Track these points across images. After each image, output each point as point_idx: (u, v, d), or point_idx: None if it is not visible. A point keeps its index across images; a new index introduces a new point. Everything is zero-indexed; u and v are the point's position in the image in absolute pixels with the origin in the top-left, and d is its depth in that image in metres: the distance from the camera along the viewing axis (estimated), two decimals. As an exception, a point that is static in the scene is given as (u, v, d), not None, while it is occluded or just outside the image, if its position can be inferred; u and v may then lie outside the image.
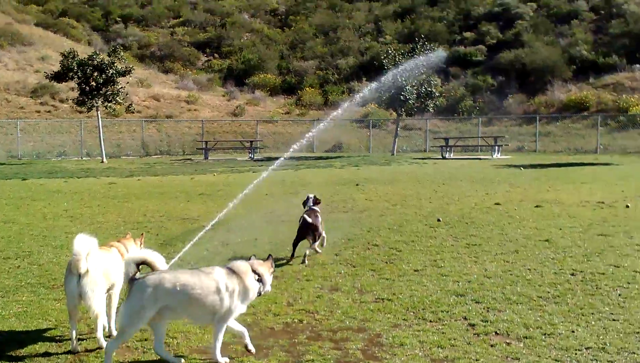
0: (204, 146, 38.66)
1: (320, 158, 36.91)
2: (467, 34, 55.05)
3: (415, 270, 8.64)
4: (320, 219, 9.75)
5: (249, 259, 5.95)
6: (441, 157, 35.36)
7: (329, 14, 66.65)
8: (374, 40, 59.67)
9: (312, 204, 10.08)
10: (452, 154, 36.30)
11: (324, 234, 9.83)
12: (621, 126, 39.51)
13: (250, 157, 37.37)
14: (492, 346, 5.76)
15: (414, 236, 11.07)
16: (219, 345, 5.56)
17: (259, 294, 5.81)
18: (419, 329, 6.23)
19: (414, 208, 14.71)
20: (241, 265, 5.75)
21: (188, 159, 37.91)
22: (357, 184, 20.48)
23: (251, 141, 39.31)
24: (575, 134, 40.24)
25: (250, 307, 6.94)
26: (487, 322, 6.41)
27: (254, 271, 5.74)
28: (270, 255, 6.13)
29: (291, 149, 25.01)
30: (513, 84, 46.74)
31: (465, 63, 51.40)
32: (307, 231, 9.54)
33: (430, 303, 7.07)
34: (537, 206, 14.54)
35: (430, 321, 6.49)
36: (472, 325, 6.32)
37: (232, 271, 5.64)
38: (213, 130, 45.83)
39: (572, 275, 8.21)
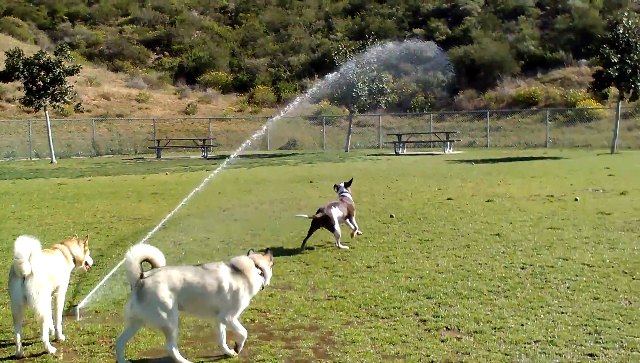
0: (156, 145, 38.24)
1: (275, 155, 36.82)
2: (417, 30, 55.47)
3: (368, 267, 8.65)
4: (345, 205, 10.33)
5: (248, 253, 5.93)
6: (394, 153, 35.58)
7: (279, 11, 66.52)
8: (325, 37, 59.74)
9: (343, 189, 10.81)
10: (405, 150, 36.54)
11: (337, 228, 9.96)
12: (569, 120, 40.26)
13: (204, 155, 37.08)
14: (442, 341, 5.79)
15: (367, 233, 11.10)
16: (243, 334, 5.60)
17: (262, 288, 5.83)
18: (371, 326, 6.24)
19: (367, 205, 14.75)
20: (244, 261, 5.74)
21: (140, 158, 37.45)
22: (311, 182, 20.47)
23: (204, 140, 38.99)
24: (524, 129, 40.87)
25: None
26: (439, 317, 6.45)
27: (257, 266, 5.75)
28: (268, 248, 6.16)
29: (239, 148, 24.90)
30: (463, 80, 47.27)
31: (416, 59, 51.80)
32: (317, 224, 9.97)
33: (383, 299, 7.09)
34: (488, 201, 14.70)
35: (382, 317, 6.51)
36: (424, 321, 6.36)
37: (236, 269, 5.64)
38: (165, 129, 45.36)
39: (522, 268, 8.32)
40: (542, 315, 6.41)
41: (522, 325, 6.14)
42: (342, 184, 11.05)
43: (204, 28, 65.46)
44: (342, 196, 10.72)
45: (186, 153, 41.09)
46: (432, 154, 34.29)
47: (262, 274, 5.76)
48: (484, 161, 27.92)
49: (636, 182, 17.54)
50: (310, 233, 10.13)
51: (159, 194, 17.86)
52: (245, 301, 5.64)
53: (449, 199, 15.24)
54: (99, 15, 67.44)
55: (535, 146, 37.91)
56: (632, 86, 28.35)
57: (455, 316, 6.46)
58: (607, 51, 28.29)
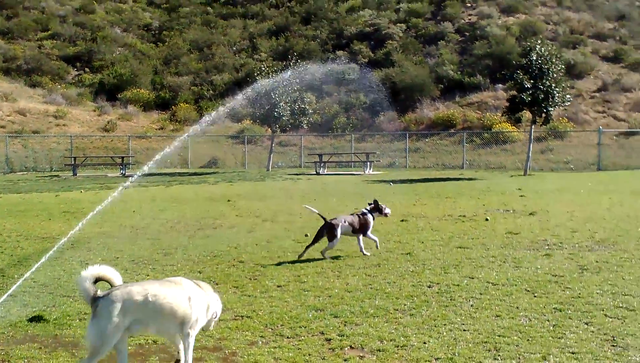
0: (72, 162, 37.32)
1: (195, 173, 36.43)
2: (340, 53, 56.04)
3: (278, 286, 8.63)
4: (357, 219, 10.71)
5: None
6: (315, 173, 35.73)
7: (204, 30, 66.13)
8: (249, 57, 59.70)
9: (367, 208, 11.01)
10: (326, 170, 36.74)
11: (335, 241, 10.47)
12: (485, 143, 41.30)
13: (122, 173, 36.39)
14: (345, 360, 5.81)
15: (280, 252, 11.08)
16: (191, 356, 5.53)
17: (215, 316, 5.81)
18: (276, 346, 6.21)
19: (283, 224, 14.74)
20: (202, 282, 5.81)
21: (55, 176, 36.43)
22: (229, 201, 20.32)
23: (122, 157, 38.29)
24: (443, 151, 41.72)
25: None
26: (343, 336, 6.47)
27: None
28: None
29: (146, 167, 24.56)
30: (384, 101, 48.00)
31: (339, 81, 52.32)
32: (322, 232, 10.50)
33: (289, 319, 7.07)
34: (402, 220, 14.90)
35: (288, 337, 6.48)
36: (329, 340, 6.36)
37: (197, 284, 5.66)
38: (83, 146, 44.35)
39: (429, 287, 8.44)
40: (444, 333, 6.51)
41: (425, 343, 6.22)
42: (367, 209, 11.10)
43: (127, 45, 64.46)
44: (363, 213, 10.94)
45: (104, 170, 40.25)
46: (353, 174, 34.59)
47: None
48: (402, 181, 28.33)
49: (545, 203, 18.09)
50: (314, 241, 10.55)
51: (71, 212, 17.39)
52: (203, 320, 5.61)
53: (364, 219, 15.36)
54: (17, 29, 65.54)
55: (453, 167, 38.73)
56: (544, 110, 29.31)
57: (360, 335, 6.49)
58: (520, 76, 29.20)
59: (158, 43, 65.66)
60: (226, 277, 9.21)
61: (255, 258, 10.59)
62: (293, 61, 37.12)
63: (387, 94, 47.47)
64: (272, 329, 6.74)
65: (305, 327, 6.77)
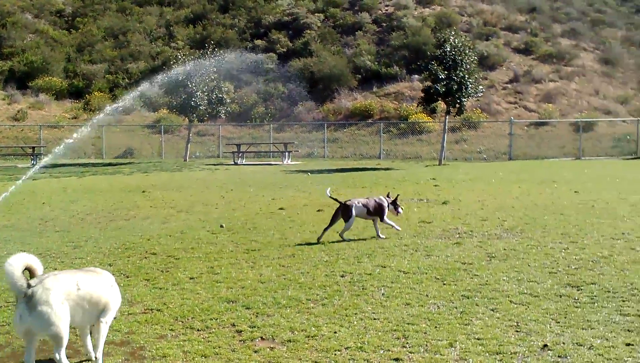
0: (-21, 153, 35.95)
1: (110, 164, 35.64)
2: (259, 42, 55.74)
3: (190, 278, 8.52)
4: (373, 202, 11.22)
5: None
6: (233, 163, 35.49)
7: (119, 16, 64.54)
8: (166, 45, 58.67)
9: (387, 197, 11.50)
10: (244, 161, 36.55)
11: (351, 221, 11.01)
12: (402, 133, 41.87)
13: (33, 163, 35.25)
14: (255, 352, 5.78)
15: (194, 243, 10.95)
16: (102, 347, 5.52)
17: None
18: (185, 339, 6.13)
19: (199, 215, 14.59)
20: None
21: (-39, 167, 34.99)
22: (143, 191, 19.96)
23: (33, 147, 37.09)
24: (360, 141, 42.08)
25: (6, 325, 6.51)
26: (255, 327, 6.44)
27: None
28: None
29: (48, 157, 23.93)
30: (303, 91, 48.02)
31: (257, 70, 52.05)
32: (337, 213, 11.11)
33: (200, 311, 6.99)
34: (318, 211, 14.95)
35: (198, 330, 6.41)
36: (239, 332, 6.33)
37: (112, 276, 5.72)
38: (-9, 135, 42.79)
39: (342, 276, 8.50)
40: (355, 322, 6.57)
41: (335, 332, 6.26)
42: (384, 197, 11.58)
43: (38, 31, 62.32)
44: (379, 198, 11.45)
45: (14, 161, 38.89)
46: (271, 165, 34.54)
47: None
48: (320, 171, 28.44)
49: (458, 192, 18.48)
50: (331, 224, 11.11)
51: (-23, 204, 16.75)
52: (116, 309, 5.69)
53: (280, 209, 15.37)
54: None
55: (370, 157, 39.11)
56: (458, 101, 29.92)
57: (272, 326, 6.48)
58: (435, 67, 29.71)
59: (71, 30, 63.76)
60: (137, 270, 9.04)
61: (168, 249, 10.44)
62: (210, 50, 36.69)
63: (305, 84, 47.57)
64: (182, 322, 6.65)
65: (217, 319, 6.71)
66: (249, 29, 58.98)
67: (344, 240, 10.96)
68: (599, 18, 58.51)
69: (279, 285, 8.08)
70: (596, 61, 51.27)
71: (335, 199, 11.29)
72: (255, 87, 50.59)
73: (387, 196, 11.65)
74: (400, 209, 11.67)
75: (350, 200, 11.23)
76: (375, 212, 11.29)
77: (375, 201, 11.34)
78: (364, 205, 11.14)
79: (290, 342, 6.01)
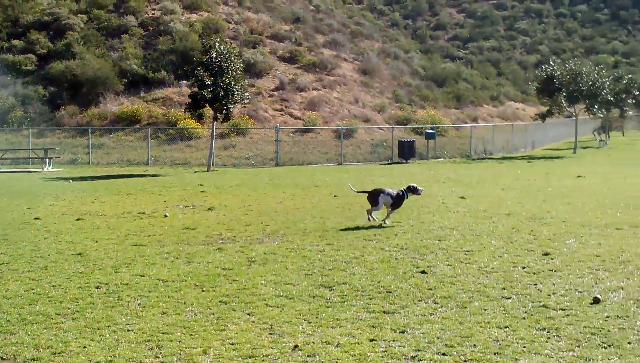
0: None
1: None
2: (16, 42, 52.22)
3: None
4: (396, 195, 13.03)
5: None
6: (-14, 170, 32.92)
7: None
8: None
9: (408, 190, 13.24)
10: (1, 167, 34.04)
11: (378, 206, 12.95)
12: (170, 139, 41.32)
13: None
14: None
15: None
16: None
17: None
18: None
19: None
20: None
21: None
22: None
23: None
24: (128, 146, 40.90)
25: None
26: (-5, 347, 5.99)
27: None
28: None
29: None
30: (65, 95, 45.77)
31: (14, 72, 48.77)
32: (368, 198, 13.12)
33: None
34: (78, 219, 14.30)
35: None
36: (-23, 354, 5.85)
37: None
38: None
39: (97, 287, 8.18)
40: (107, 335, 6.34)
41: (85, 347, 6.00)
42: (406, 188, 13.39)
43: None
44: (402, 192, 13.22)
45: None
46: (30, 172, 32.50)
47: None
48: (83, 178, 27.26)
49: (224, 198, 18.59)
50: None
51: None
52: None
53: (36, 218, 14.49)
54: None
55: (138, 163, 38.15)
56: (225, 107, 30.12)
57: (14, 344, 6.07)
58: (201, 73, 29.68)
59: None
60: None
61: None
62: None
63: (68, 87, 45.42)
64: None
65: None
66: (5, 28, 55.12)
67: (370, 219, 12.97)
68: (358, 30, 61.96)
69: (27, 300, 7.60)
70: (355, 71, 54.26)
71: (364, 191, 13.57)
72: (13, 90, 47.39)
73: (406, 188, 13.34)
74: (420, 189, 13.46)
75: (380, 189, 13.34)
76: (395, 204, 13.07)
77: (399, 194, 13.12)
78: (390, 196, 12.91)
79: (34, 360, 5.67)
